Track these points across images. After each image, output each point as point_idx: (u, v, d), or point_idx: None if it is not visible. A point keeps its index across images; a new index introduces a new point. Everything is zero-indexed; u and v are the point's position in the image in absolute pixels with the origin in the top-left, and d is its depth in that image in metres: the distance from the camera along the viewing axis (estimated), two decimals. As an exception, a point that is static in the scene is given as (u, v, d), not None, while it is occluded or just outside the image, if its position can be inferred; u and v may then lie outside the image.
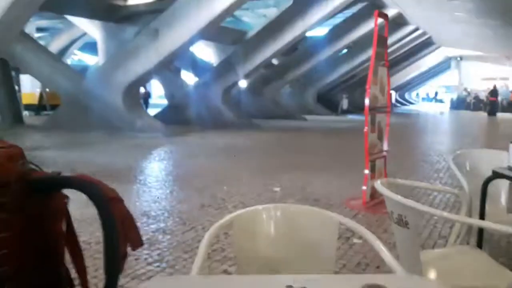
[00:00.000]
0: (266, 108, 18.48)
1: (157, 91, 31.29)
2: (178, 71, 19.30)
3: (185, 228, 3.91)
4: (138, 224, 4.01)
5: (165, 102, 19.31)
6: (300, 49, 20.05)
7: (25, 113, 17.22)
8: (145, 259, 3.15)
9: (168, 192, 5.34)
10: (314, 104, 22.24)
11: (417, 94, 46.91)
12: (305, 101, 22.03)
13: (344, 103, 23.86)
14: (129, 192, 5.09)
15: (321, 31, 19.55)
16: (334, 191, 5.37)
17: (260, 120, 15.92)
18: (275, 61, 20.61)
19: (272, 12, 17.77)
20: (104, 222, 0.69)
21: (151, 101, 23.87)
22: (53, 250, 0.79)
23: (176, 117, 14.60)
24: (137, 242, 0.75)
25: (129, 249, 0.75)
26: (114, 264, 0.70)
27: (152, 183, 5.80)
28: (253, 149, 9.51)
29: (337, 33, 17.72)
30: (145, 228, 3.84)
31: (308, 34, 17.58)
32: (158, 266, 3.09)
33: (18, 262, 0.66)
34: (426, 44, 24.13)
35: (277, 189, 5.43)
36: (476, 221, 2.24)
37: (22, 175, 0.71)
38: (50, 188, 0.75)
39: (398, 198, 1.68)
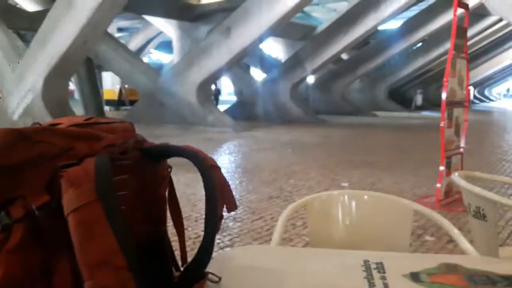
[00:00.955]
0: (334, 104, 18.23)
1: (226, 88, 32.10)
2: (247, 68, 19.67)
3: (254, 217, 4.05)
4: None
5: (234, 98, 19.78)
6: (371, 43, 19.49)
7: (106, 108, 18.55)
8: (217, 243, 3.32)
9: (238, 183, 5.52)
10: (385, 100, 21.50)
11: (498, 91, 43.45)
12: (375, 97, 21.39)
13: (418, 99, 22.81)
14: (201, 182, 5.34)
15: (395, 24, 18.85)
16: (406, 188, 5.22)
17: (327, 116, 15.76)
18: (344, 56, 20.22)
19: (343, 6, 17.46)
20: (206, 186, 0.79)
21: (221, 97, 24.58)
22: (157, 212, 0.90)
23: (245, 113, 14.91)
24: (233, 205, 0.85)
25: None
26: (212, 223, 0.80)
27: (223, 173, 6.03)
28: (320, 145, 9.47)
29: (411, 25, 16.95)
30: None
31: (380, 27, 17.07)
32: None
33: (131, 219, 0.76)
34: (509, 37, 22.28)
35: (345, 184, 5.40)
36: None
37: (136, 143, 0.83)
38: (160, 156, 0.87)
39: (476, 189, 1.65)
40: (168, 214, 0.93)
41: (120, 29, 24.99)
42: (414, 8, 16.08)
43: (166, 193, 0.93)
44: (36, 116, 9.33)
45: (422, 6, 16.33)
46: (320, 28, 17.55)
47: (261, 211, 4.21)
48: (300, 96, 16.64)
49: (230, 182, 4.20)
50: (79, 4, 8.54)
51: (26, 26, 12.56)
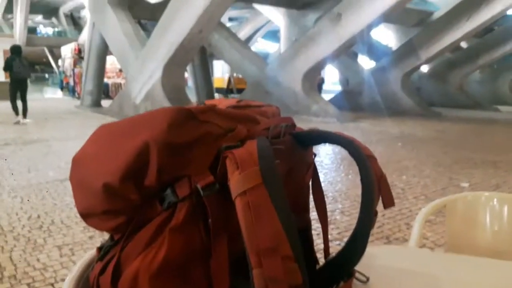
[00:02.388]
0: (449, 96, 16.80)
1: (330, 77, 31.52)
2: (354, 56, 19.02)
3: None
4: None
5: (338, 88, 19.32)
6: (496, 30, 17.48)
7: (216, 95, 19.46)
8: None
9: (343, 175, 5.38)
10: (510, 93, 19.22)
11: None
12: (498, 89, 19.25)
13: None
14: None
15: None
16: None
17: (442, 109, 14.62)
18: (463, 44, 18.45)
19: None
20: (363, 177, 0.74)
21: (324, 86, 24.22)
22: (302, 200, 0.87)
23: (350, 103, 14.49)
24: (390, 201, 0.78)
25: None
26: (368, 217, 0.74)
27: (328, 165, 5.93)
28: (434, 139, 8.81)
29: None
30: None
31: (509, 12, 15.18)
32: (338, 244, 3.17)
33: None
34: None
35: (465, 185, 4.93)
36: None
37: (288, 128, 0.81)
38: (310, 142, 0.84)
39: None
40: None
41: (230, 19, 25.91)
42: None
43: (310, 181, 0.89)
44: (156, 101, 10.15)
45: None
46: (438, 13, 16.20)
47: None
48: (412, 86, 15.63)
49: (335, 174, 4.13)
50: (197, -5, 9.00)
51: (149, 16, 13.65)
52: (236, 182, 0.63)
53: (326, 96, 16.66)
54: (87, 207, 0.70)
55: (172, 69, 10.21)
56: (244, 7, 20.13)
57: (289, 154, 0.79)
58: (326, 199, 0.83)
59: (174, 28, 9.74)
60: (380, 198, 0.77)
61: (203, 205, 0.67)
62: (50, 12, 31.64)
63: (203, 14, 9.10)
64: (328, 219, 3.94)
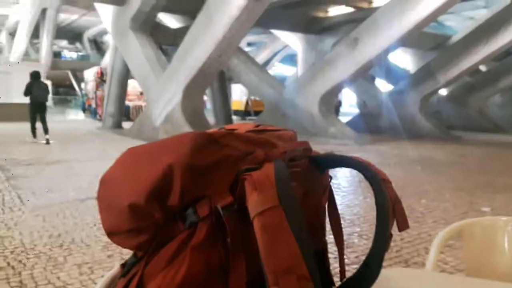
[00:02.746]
0: (469, 120, 16.57)
1: (347, 99, 31.53)
2: (372, 79, 19.05)
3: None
4: (344, 226, 4.14)
5: (355, 110, 19.27)
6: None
7: (234, 117, 19.64)
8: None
9: (362, 199, 5.33)
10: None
11: None
12: (518, 114, 18.88)
13: None
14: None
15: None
16: None
17: (462, 132, 14.41)
18: (483, 67, 18.29)
19: (482, 14, 15.88)
20: (379, 201, 0.76)
21: (342, 109, 24.22)
22: (318, 223, 0.90)
23: (368, 126, 14.42)
24: (404, 224, 0.80)
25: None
26: (382, 240, 0.76)
27: (346, 188, 5.90)
28: (454, 163, 8.67)
29: None
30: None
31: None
32: (355, 268, 3.13)
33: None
34: None
35: (486, 209, 4.83)
36: None
37: (305, 151, 0.84)
38: (326, 165, 0.87)
39: None
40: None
41: (249, 44, 26.37)
42: None
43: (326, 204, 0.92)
44: (175, 124, 10.31)
45: None
46: (456, 37, 16.18)
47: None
48: (431, 109, 15.50)
49: (353, 197, 4.12)
50: (217, 21, 9.23)
51: (170, 41, 14.02)
52: (254, 203, 0.66)
53: (344, 119, 16.66)
54: (113, 226, 0.74)
55: (192, 92, 10.40)
56: (262, 32, 20.49)
57: (306, 177, 0.82)
58: (343, 222, 0.85)
59: (194, 53, 9.97)
60: (395, 221, 0.79)
61: (222, 225, 0.70)
62: (75, 37, 32.83)
63: (222, 40, 9.32)
64: (346, 243, 3.92)
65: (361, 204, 5.02)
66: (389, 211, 0.76)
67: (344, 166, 0.83)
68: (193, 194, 0.71)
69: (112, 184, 0.75)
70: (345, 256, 3.68)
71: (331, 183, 0.91)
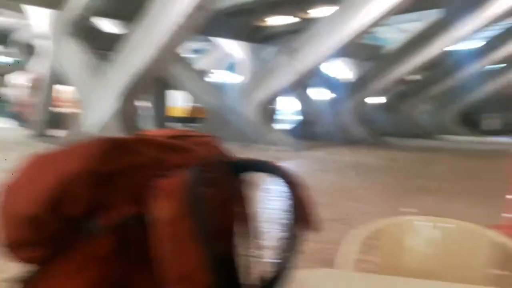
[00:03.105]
0: (400, 126, 17.59)
1: (285, 107, 32.17)
2: (311, 87, 19.63)
3: (313, 239, 3.94)
4: (264, 229, 4.22)
5: (294, 118, 19.74)
6: (443, 64, 18.68)
7: (176, 125, 19.30)
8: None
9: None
10: (455, 123, 20.39)
11: None
12: (444, 120, 20.35)
13: (493, 123, 21.34)
14: (256, 198, 5.34)
15: (470, 44, 17.94)
16: (475, 218, 4.80)
17: (393, 139, 15.22)
18: (414, 76, 19.52)
19: (415, 26, 16.97)
20: (291, 204, 0.78)
21: (279, 116, 24.70)
22: (233, 229, 0.91)
23: (306, 132, 14.84)
24: (314, 226, 0.83)
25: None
26: (292, 243, 0.78)
27: (280, 193, 6.01)
28: (385, 168, 9.15)
29: (490, 45, 16.05)
30: (272, 235, 4.00)
31: (453, 48, 16.30)
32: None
33: (212, 232, 0.75)
34: None
35: (413, 210, 5.12)
36: None
37: (222, 157, 0.85)
38: (245, 170, 0.88)
39: None
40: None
41: (193, 51, 26.16)
42: (493, 28, 15.24)
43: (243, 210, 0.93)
44: (110, 130, 9.97)
45: (503, 25, 15.43)
46: (389, 48, 17.15)
47: (321, 234, 4.10)
48: (365, 117, 16.27)
49: (289, 202, 4.11)
50: (158, 27, 9.10)
51: (107, 46, 13.56)
52: (158, 212, 0.65)
53: (282, 126, 17.01)
54: (9, 237, 0.70)
55: (128, 99, 10.14)
56: (205, 40, 20.45)
57: (224, 183, 0.83)
58: (275, 226, 0.87)
59: (133, 59, 9.75)
60: (305, 223, 0.82)
61: (127, 235, 0.68)
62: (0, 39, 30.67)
63: (162, 46, 9.19)
64: (275, 246, 3.95)
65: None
66: (299, 213, 0.78)
67: (260, 171, 0.85)
68: (96, 203, 0.68)
69: (10, 192, 0.72)
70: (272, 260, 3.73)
71: (248, 188, 0.93)
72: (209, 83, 15.38)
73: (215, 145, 0.93)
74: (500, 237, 1.37)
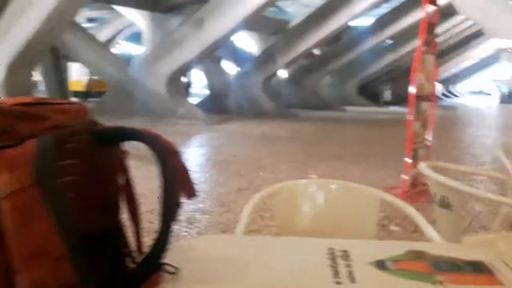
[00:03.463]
0: (306, 99, 18.35)
1: (198, 80, 31.78)
2: (219, 61, 19.49)
3: (223, 209, 4.00)
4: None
5: (206, 91, 19.59)
6: (343, 39, 19.71)
7: (74, 99, 18.01)
8: (184, 236, 3.26)
9: (207, 176, 5.46)
10: (355, 95, 21.82)
11: (464, 88, 44.98)
12: (345, 92, 21.66)
13: (387, 94, 23.28)
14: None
15: (366, 21, 19.11)
16: (373, 180, 5.29)
17: (299, 111, 15.85)
18: (316, 51, 20.36)
19: (316, 2, 17.56)
20: (164, 171, 0.74)
21: (192, 90, 24.33)
22: (112, 201, 0.84)
23: (217, 106, 14.80)
24: (192, 192, 0.80)
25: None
26: (171, 212, 0.75)
27: (192, 167, 5.95)
28: (291, 138, 9.51)
29: (382, 22, 17.28)
30: (185, 208, 3.96)
31: (352, 23, 17.24)
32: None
33: (80, 206, 0.71)
34: (475, 35, 23.04)
35: (314, 176, 5.42)
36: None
37: (88, 126, 0.77)
38: (114, 139, 0.81)
39: (442, 179, 1.66)
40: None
41: (89, 20, 24.28)
42: (386, 5, 16.36)
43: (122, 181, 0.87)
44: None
45: (394, 3, 16.63)
46: (293, 23, 17.58)
47: (230, 203, 4.17)
48: (273, 90, 16.66)
49: (198, 175, 4.16)
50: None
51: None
52: (4, 183, 0.59)
53: (194, 100, 16.77)
54: None
55: (18, 71, 9.13)
56: (104, 7, 19.05)
57: (90, 153, 0.76)
58: (188, 200, 0.82)
59: (20, 25, 8.73)
60: (183, 190, 0.79)
61: None
62: None
63: (53, 12, 8.34)
64: (189, 219, 3.90)
65: (207, 181, 5.14)
66: (174, 181, 0.74)
67: (130, 139, 0.79)
68: None
69: None
70: (187, 233, 3.69)
71: (125, 157, 0.86)
72: (110, 54, 14.45)
73: (82, 112, 0.84)
74: (388, 196, 1.46)
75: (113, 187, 0.84)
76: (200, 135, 9.65)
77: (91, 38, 14.36)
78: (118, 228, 0.86)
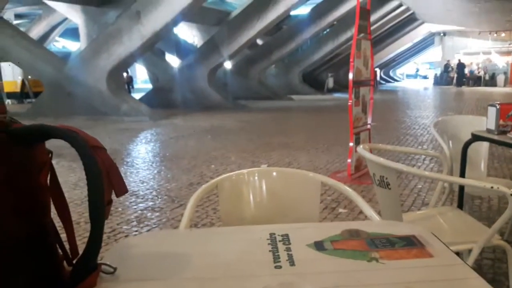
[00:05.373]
0: (252, 89, 18.42)
1: (141, 75, 30.88)
2: (162, 54, 19.06)
3: (173, 205, 3.95)
4: (127, 203, 4.06)
5: (149, 86, 19.10)
6: (284, 29, 19.92)
7: (8, 101, 16.91)
8: (135, 235, 3.18)
9: (156, 173, 5.35)
10: (300, 84, 22.21)
11: (401, 72, 47.22)
12: (290, 81, 21.99)
13: (330, 82, 23.89)
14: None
15: (305, 10, 19.43)
16: (320, 165, 5.44)
17: (246, 101, 15.89)
18: (259, 41, 20.45)
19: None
20: (88, 169, 0.71)
21: (135, 85, 23.61)
22: (37, 202, 0.80)
23: (162, 101, 14.49)
24: (122, 189, 0.77)
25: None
26: (99, 210, 0.72)
27: (139, 165, 5.80)
28: (240, 129, 9.53)
29: (320, 11, 17.63)
30: (134, 207, 3.87)
31: (292, 13, 17.45)
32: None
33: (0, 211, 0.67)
34: (409, 21, 24.19)
35: (264, 165, 5.48)
36: (456, 179, 2.31)
37: (3, 125, 0.72)
38: (32, 138, 0.76)
39: (380, 160, 1.73)
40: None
41: (18, 16, 22.77)
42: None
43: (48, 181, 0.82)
44: None
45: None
46: (234, 13, 17.50)
47: (181, 199, 4.12)
48: (219, 82, 16.55)
49: (147, 173, 4.07)
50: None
51: None
52: None
53: (138, 95, 16.29)
54: None
55: None
56: (34, 2, 17.94)
57: (5, 153, 0.71)
58: (137, 198, 0.77)
59: None
60: (113, 187, 0.76)
61: None
62: None
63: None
64: (139, 217, 3.80)
65: (155, 178, 5.03)
66: (102, 179, 0.71)
67: (51, 137, 0.75)
68: None
69: None
70: (137, 232, 3.59)
71: (44, 157, 0.81)
72: (44, 52, 13.63)
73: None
74: (329, 180, 1.50)
75: (38, 189, 0.80)
76: (146, 131, 9.41)
77: (22, 35, 13.48)
78: (48, 231, 0.82)
